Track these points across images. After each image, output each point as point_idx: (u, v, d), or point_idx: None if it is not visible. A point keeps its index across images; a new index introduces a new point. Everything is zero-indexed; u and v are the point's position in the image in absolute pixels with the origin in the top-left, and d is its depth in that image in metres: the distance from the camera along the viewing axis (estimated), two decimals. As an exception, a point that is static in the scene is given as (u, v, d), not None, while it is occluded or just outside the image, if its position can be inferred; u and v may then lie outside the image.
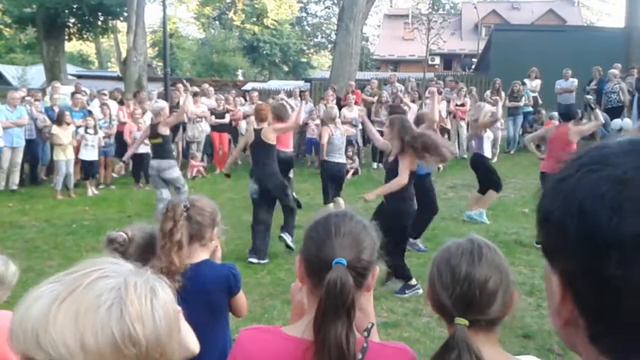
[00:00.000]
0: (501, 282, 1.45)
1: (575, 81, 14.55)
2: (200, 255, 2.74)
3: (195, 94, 13.63)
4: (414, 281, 5.69)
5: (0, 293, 2.42)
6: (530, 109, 14.61)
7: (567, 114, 7.99)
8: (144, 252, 2.59)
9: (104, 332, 0.77)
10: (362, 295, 1.46)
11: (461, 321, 1.38)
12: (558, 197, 0.66)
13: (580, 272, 0.62)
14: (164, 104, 8.84)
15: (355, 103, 13.25)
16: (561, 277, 0.66)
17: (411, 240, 6.77)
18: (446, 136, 13.71)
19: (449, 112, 13.29)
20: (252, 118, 13.30)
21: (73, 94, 12.56)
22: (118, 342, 0.78)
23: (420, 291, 5.52)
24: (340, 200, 8.06)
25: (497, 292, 1.43)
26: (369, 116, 13.13)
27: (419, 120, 6.88)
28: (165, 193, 8.08)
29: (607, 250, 0.59)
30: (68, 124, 10.78)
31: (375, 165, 12.16)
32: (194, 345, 2.38)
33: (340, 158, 8.69)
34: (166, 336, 0.84)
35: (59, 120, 10.77)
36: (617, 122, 12.92)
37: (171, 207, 2.70)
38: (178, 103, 13.45)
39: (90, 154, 11.19)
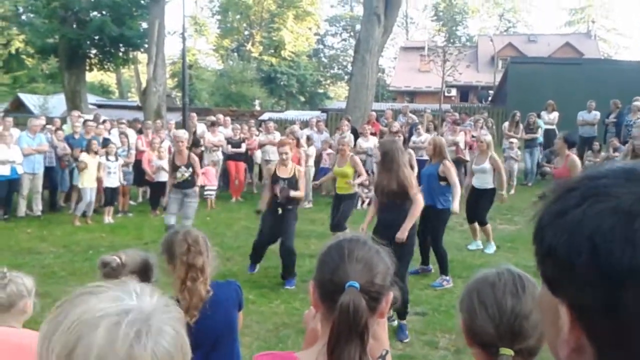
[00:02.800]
0: None
1: (598, 114, 14.29)
2: None
3: (212, 124, 13.79)
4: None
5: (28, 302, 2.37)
6: (542, 139, 14.15)
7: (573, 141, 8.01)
8: (136, 279, 2.54)
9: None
10: (375, 322, 1.44)
11: (507, 351, 1.39)
12: (562, 231, 0.66)
13: (595, 306, 0.62)
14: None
15: (374, 134, 13.28)
16: (570, 309, 0.66)
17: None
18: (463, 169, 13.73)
19: (466, 144, 13.24)
20: (268, 147, 13.52)
21: (85, 122, 12.61)
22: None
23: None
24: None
25: (539, 323, 1.43)
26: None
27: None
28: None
29: (623, 283, 0.59)
30: (96, 152, 10.99)
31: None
32: None
33: None
34: None
35: (88, 148, 10.99)
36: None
37: (193, 241, 2.70)
38: (195, 132, 13.64)
39: (113, 181, 11.32)
